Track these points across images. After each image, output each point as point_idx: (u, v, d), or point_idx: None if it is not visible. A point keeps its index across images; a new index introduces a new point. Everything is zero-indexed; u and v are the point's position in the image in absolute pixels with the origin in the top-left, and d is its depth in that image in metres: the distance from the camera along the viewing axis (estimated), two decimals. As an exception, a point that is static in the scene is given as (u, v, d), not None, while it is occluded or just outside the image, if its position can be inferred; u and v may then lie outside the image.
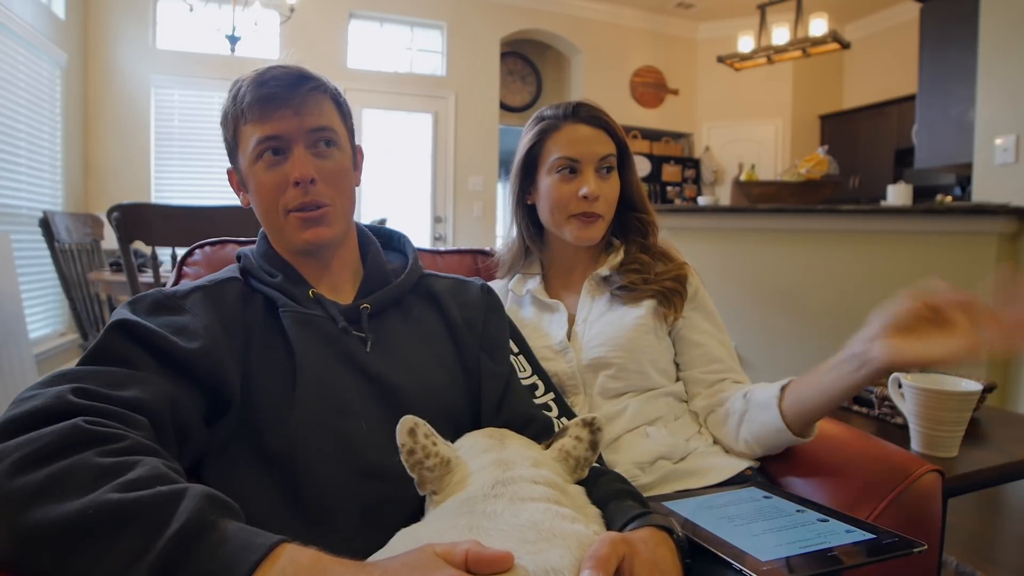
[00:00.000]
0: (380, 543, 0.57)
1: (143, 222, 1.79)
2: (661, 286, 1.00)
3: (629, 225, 1.09)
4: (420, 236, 4.85)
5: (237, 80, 0.77)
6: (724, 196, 5.49)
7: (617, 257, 1.05)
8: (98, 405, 0.54)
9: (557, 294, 1.09)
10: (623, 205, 1.07)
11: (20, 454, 0.47)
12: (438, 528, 0.55)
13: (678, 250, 1.09)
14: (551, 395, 0.87)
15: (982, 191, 2.83)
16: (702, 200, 3.65)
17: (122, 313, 0.66)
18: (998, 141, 2.75)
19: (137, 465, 0.49)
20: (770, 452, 0.93)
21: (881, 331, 0.74)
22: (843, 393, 0.82)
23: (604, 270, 1.04)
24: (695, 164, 6.01)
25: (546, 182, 1.03)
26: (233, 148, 0.79)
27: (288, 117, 0.74)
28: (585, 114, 1.02)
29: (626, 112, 5.60)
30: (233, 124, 0.77)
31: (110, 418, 0.54)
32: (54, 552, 0.44)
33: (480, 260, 1.29)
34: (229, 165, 0.82)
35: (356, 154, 0.84)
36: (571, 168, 1.01)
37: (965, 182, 4.45)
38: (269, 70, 0.75)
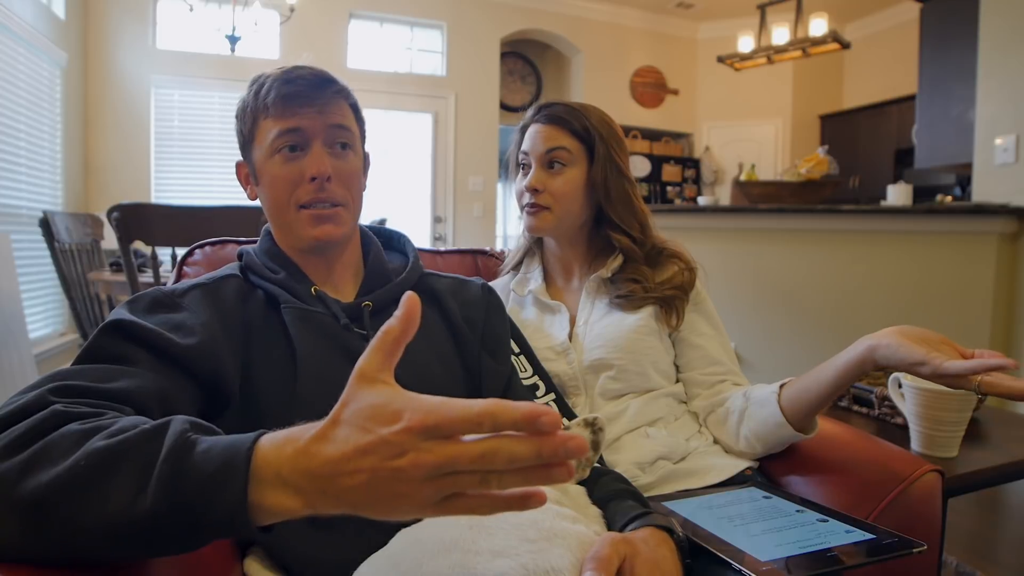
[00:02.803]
0: (381, 542, 0.56)
1: (143, 222, 1.79)
2: (661, 294, 1.00)
3: (615, 242, 1.04)
4: (420, 236, 4.85)
5: (259, 76, 0.79)
6: (724, 196, 5.49)
7: (616, 260, 1.05)
8: (79, 398, 0.54)
9: (558, 295, 1.09)
10: (598, 209, 1.05)
11: (2, 443, 0.47)
12: (438, 528, 0.55)
13: (686, 250, 1.08)
14: (552, 395, 0.87)
15: (982, 191, 2.84)
16: (702, 200, 3.65)
17: (118, 313, 0.66)
18: (998, 141, 2.75)
19: (117, 422, 0.49)
20: (771, 449, 0.93)
21: (896, 330, 0.77)
22: (839, 379, 0.83)
23: (605, 272, 1.04)
24: (695, 164, 6.01)
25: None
26: (248, 141, 0.79)
27: (311, 115, 0.75)
28: (544, 113, 1.05)
29: (626, 112, 5.60)
30: (252, 117, 0.78)
31: (90, 406, 0.53)
32: (59, 511, 0.43)
33: (480, 260, 1.30)
34: (239, 158, 0.83)
35: (366, 159, 0.85)
36: (524, 164, 1.06)
37: (965, 182, 4.45)
38: (295, 69, 0.77)
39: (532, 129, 1.05)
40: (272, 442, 0.43)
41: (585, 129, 1.02)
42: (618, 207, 1.03)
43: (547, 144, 1.02)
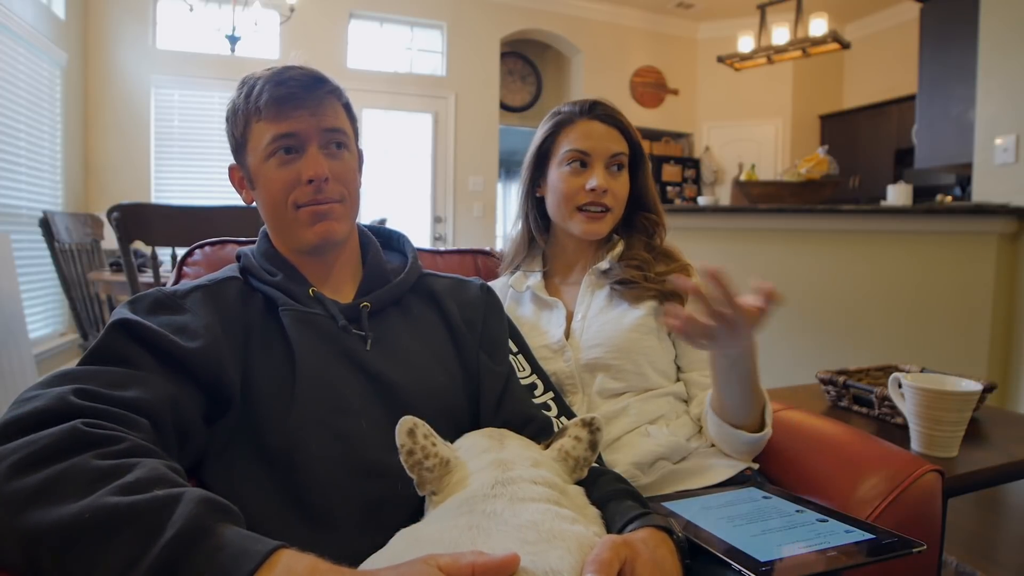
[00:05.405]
0: (381, 542, 0.57)
1: (143, 222, 1.79)
2: (661, 287, 1.00)
3: (635, 224, 1.09)
4: (420, 236, 4.85)
5: (248, 77, 0.78)
6: (724, 196, 5.49)
7: (616, 248, 1.05)
8: (99, 407, 0.54)
9: (557, 290, 1.09)
10: (633, 205, 1.09)
11: (18, 456, 0.47)
12: (438, 528, 0.55)
13: (682, 252, 1.09)
14: (550, 395, 0.87)
15: (982, 191, 2.83)
16: (702, 200, 3.65)
17: (122, 312, 0.66)
18: (998, 141, 2.75)
19: (135, 467, 0.49)
20: (743, 454, 0.92)
21: None
22: (718, 369, 0.85)
23: (604, 263, 1.04)
24: (695, 164, 6.00)
25: (556, 174, 1.05)
26: (241, 145, 0.79)
27: (305, 117, 0.75)
28: (600, 112, 1.05)
29: (626, 112, 5.48)
30: (244, 121, 0.77)
31: (110, 419, 0.54)
32: (52, 555, 0.44)
33: (480, 260, 1.29)
34: (232, 162, 0.82)
35: (360, 157, 0.85)
36: (581, 161, 1.03)
37: (965, 182, 4.45)
38: (286, 70, 0.76)
39: (589, 127, 1.04)
40: (287, 563, 0.44)
41: (632, 134, 1.07)
42: (653, 210, 1.10)
43: (613, 146, 1.04)
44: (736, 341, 0.77)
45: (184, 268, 1.04)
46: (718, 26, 5.68)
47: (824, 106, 5.82)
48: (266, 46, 4.31)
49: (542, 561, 0.49)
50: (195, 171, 4.20)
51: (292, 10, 3.85)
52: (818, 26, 3.80)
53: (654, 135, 5.93)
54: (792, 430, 0.99)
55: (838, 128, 5.71)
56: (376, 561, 0.54)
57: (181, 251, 1.13)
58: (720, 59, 4.31)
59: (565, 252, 1.11)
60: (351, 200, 0.80)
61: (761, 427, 0.89)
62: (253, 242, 0.86)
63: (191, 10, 3.61)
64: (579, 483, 0.68)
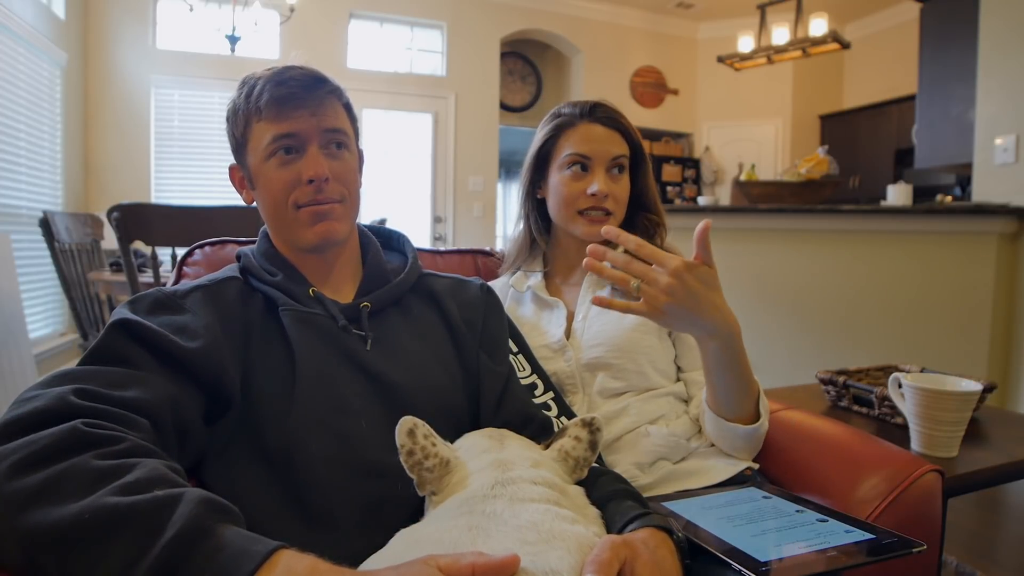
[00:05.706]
0: (380, 542, 0.57)
1: (143, 222, 1.79)
2: None
3: (636, 225, 1.10)
4: (420, 236, 4.85)
5: (248, 77, 0.78)
6: (724, 196, 5.49)
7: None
8: (98, 406, 0.54)
9: (558, 291, 1.09)
10: (634, 206, 1.09)
11: (18, 456, 0.47)
12: (438, 528, 0.55)
13: (682, 253, 1.09)
14: (550, 394, 0.87)
15: (982, 191, 2.83)
16: (702, 200, 3.65)
17: (122, 312, 0.66)
18: (998, 141, 2.75)
19: (136, 467, 0.49)
20: (740, 450, 0.92)
21: None
22: (706, 360, 0.86)
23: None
24: (695, 164, 6.00)
25: (556, 178, 1.05)
26: (241, 144, 0.79)
27: (305, 117, 0.75)
28: (601, 114, 1.04)
29: (626, 112, 5.48)
30: (244, 120, 0.77)
31: (110, 419, 0.54)
32: (53, 555, 0.44)
33: (480, 260, 1.29)
34: (232, 162, 0.82)
35: (360, 157, 0.85)
36: (582, 165, 1.03)
37: (965, 182, 4.45)
38: (287, 70, 0.76)
39: (590, 130, 1.03)
40: (288, 563, 0.44)
41: (633, 135, 1.07)
42: (654, 211, 1.10)
43: (614, 149, 1.03)
44: (689, 307, 0.79)
45: (184, 268, 1.04)
46: (718, 26, 5.68)
47: (824, 106, 5.82)
48: (266, 46, 4.31)
49: (542, 561, 0.49)
50: (195, 171, 4.20)
51: (292, 10, 3.85)
52: (818, 26, 3.80)
53: (654, 135, 5.93)
54: (792, 430, 0.99)
55: (838, 128, 5.71)
56: (376, 561, 0.54)
57: (181, 251, 1.13)
58: (720, 59, 4.31)
59: (567, 253, 1.11)
60: (351, 200, 0.80)
61: (756, 419, 0.89)
62: (253, 242, 0.86)
63: (191, 10, 3.61)
64: (579, 483, 0.68)
